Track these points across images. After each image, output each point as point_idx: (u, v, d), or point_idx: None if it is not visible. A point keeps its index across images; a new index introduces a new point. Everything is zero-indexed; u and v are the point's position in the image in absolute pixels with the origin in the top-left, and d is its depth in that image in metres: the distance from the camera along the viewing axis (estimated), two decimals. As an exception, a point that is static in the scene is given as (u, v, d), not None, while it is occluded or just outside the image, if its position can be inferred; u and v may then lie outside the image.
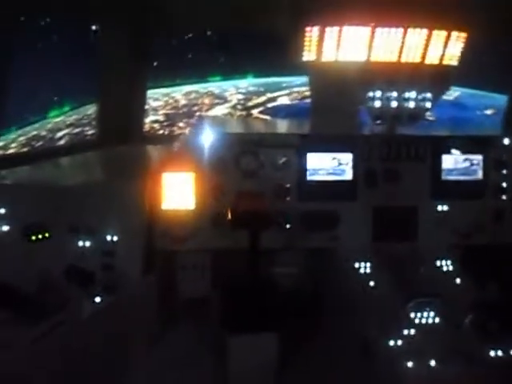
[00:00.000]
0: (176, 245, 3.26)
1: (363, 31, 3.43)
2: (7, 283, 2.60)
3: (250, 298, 2.84)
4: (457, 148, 3.40)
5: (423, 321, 2.72)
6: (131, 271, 3.04)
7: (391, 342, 2.54)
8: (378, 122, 3.46)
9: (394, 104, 3.39)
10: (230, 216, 2.73)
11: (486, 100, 4.54)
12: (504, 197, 3.49)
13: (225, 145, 3.25)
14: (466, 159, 3.42)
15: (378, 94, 3.37)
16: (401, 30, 3.44)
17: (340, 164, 3.31)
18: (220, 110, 19.13)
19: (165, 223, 3.22)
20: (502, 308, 2.65)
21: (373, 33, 3.44)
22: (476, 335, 2.53)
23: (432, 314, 2.74)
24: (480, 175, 3.44)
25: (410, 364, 2.35)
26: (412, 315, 2.75)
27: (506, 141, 3.44)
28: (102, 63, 4.29)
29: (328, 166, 3.30)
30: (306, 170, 3.29)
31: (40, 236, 2.80)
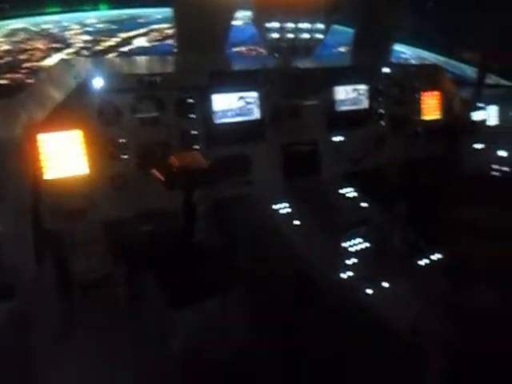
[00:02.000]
0: (71, 220, 2.62)
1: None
2: None
3: (191, 265, 2.53)
4: (347, 79, 3.50)
5: (358, 248, 2.84)
6: (22, 264, 2.35)
7: (339, 275, 2.59)
8: (276, 55, 3.27)
9: (291, 35, 3.23)
10: (162, 175, 2.27)
11: (343, 37, 4.77)
12: (382, 123, 3.81)
13: (116, 89, 2.64)
14: (354, 89, 3.56)
15: (276, 25, 3.15)
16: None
17: (247, 103, 3.06)
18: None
19: (52, 196, 2.53)
20: (419, 220, 2.96)
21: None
22: (405, 250, 2.77)
23: (362, 239, 2.87)
24: (366, 104, 3.64)
25: (367, 290, 2.44)
26: (346, 245, 2.84)
27: (385, 70, 3.69)
28: None
29: (235, 106, 3.02)
30: (213, 112, 2.95)
31: None
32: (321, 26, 3.30)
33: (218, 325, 2.75)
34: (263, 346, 2.82)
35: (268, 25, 3.14)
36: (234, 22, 4.16)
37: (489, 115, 4.53)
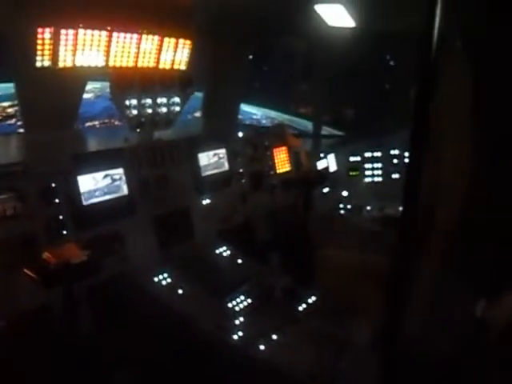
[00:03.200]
0: None
1: (100, 35, 3.17)
2: None
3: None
4: (207, 145, 3.73)
5: (242, 306, 2.97)
6: None
7: (230, 337, 2.67)
8: (138, 129, 3.34)
9: (150, 110, 3.35)
10: (37, 274, 2.10)
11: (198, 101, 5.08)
12: (243, 181, 4.13)
13: None
14: (214, 154, 3.81)
15: (134, 102, 3.24)
16: (136, 35, 3.38)
17: (114, 180, 3.04)
18: None
19: None
20: (290, 267, 3.25)
21: (109, 37, 3.23)
22: (286, 299, 3.01)
23: (245, 297, 3.02)
24: (227, 166, 3.92)
25: (260, 346, 2.57)
26: (231, 305, 2.95)
27: (240, 134, 4.05)
28: None
29: (102, 185, 2.97)
30: (80, 194, 2.85)
31: None
32: (177, 99, 3.51)
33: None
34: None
35: (127, 102, 3.22)
36: (84, 95, 4.13)
37: (329, 162, 5.27)
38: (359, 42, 5.65)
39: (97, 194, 2.95)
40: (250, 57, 5.66)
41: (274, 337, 2.65)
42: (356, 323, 2.83)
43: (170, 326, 2.82)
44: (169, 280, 3.13)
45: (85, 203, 2.87)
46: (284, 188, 4.55)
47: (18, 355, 2.45)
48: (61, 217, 2.76)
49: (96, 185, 2.94)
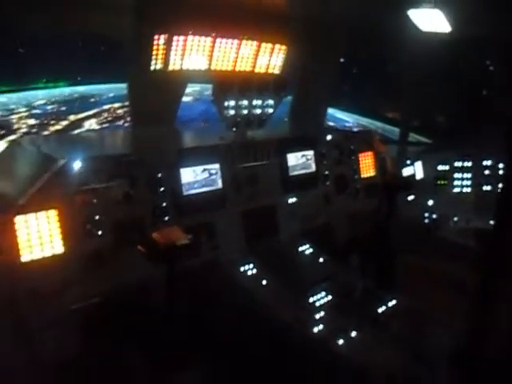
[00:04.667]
0: (47, 302, 2.61)
1: (205, 41, 3.48)
2: None
3: (170, 331, 2.62)
4: (296, 146, 3.90)
5: (322, 302, 3.08)
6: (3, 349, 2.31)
7: (310, 329, 2.79)
8: (233, 129, 3.60)
9: (245, 111, 3.59)
10: (148, 251, 2.40)
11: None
12: (328, 183, 4.23)
13: (91, 169, 2.77)
14: (302, 155, 3.96)
15: (232, 103, 3.50)
16: (236, 41, 3.65)
17: (211, 175, 3.31)
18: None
19: (29, 278, 2.53)
20: (372, 269, 3.30)
21: (213, 43, 3.53)
22: (366, 299, 3.06)
23: (326, 294, 3.13)
24: (313, 168, 4.05)
25: (339, 341, 2.66)
26: (311, 300, 3.07)
27: (328, 137, 4.16)
28: None
29: (200, 178, 3.26)
30: (181, 185, 3.15)
31: None
32: (271, 101, 3.72)
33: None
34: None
35: (226, 103, 3.48)
36: (184, 98, 4.49)
37: (415, 170, 5.18)
38: (454, 47, 5.47)
39: (195, 185, 3.23)
40: (342, 60, 5.72)
41: (353, 334, 2.72)
42: (436, 332, 2.82)
43: (251, 313, 3.01)
44: (254, 271, 3.33)
45: (185, 193, 3.17)
46: (367, 193, 4.56)
47: (120, 326, 2.80)
48: (164, 204, 3.07)
49: (195, 177, 3.23)
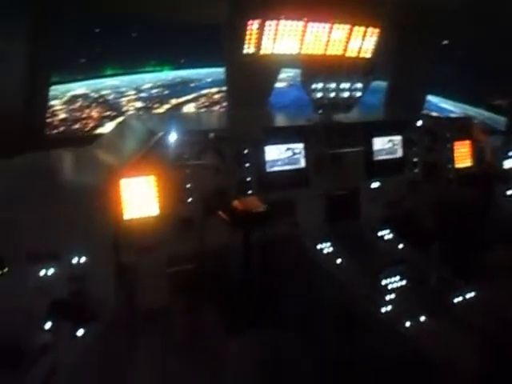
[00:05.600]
0: (143, 256, 3.01)
1: (297, 25, 3.61)
2: None
3: (246, 298, 2.85)
4: (382, 131, 3.87)
5: (395, 285, 3.09)
6: (105, 293, 2.72)
7: (379, 309, 2.83)
8: (320, 111, 3.70)
9: (333, 94, 3.67)
10: (228, 217, 2.66)
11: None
12: (416, 170, 4.12)
13: (185, 142, 3.09)
14: (389, 140, 3.92)
15: (320, 85, 3.60)
16: (328, 25, 3.72)
17: (294, 154, 3.46)
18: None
19: (129, 234, 2.94)
20: (454, 260, 3.20)
21: (305, 27, 3.64)
22: (442, 288, 3.00)
23: (400, 278, 3.13)
24: (400, 153, 3.99)
25: (407, 324, 2.67)
26: (384, 283, 3.09)
27: (418, 123, 4.06)
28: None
29: (284, 156, 3.42)
30: (265, 162, 3.35)
31: (-1, 273, 2.29)
32: (359, 85, 3.73)
33: (266, 355, 3.01)
34: (308, 376, 3.05)
35: (314, 86, 3.59)
36: (278, 84, 4.67)
37: (520, 163, 4.78)
38: None
39: (278, 163, 3.41)
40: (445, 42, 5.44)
41: (422, 319, 2.70)
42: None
43: (322, 287, 3.13)
44: (330, 249, 3.43)
45: (268, 170, 3.37)
46: (461, 183, 4.34)
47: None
48: (248, 178, 3.30)
49: (279, 155, 3.40)
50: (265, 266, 3.31)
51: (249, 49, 3.56)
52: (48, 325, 2.41)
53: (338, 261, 3.31)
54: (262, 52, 3.61)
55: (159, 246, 3.03)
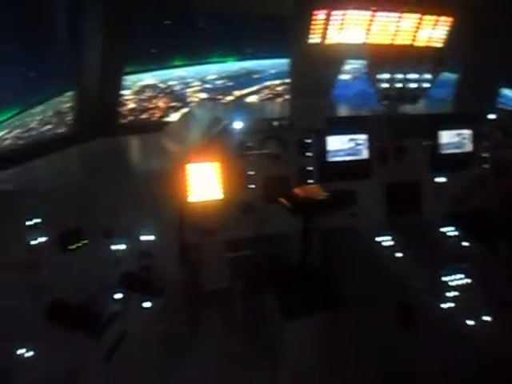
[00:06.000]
0: (205, 238, 3.15)
1: (364, 15, 3.57)
2: (61, 299, 2.32)
3: (303, 283, 2.90)
4: (450, 124, 3.73)
5: (458, 282, 2.99)
6: (170, 270, 2.88)
7: (439, 305, 2.76)
8: (385, 102, 3.64)
9: (399, 85, 3.59)
10: (289, 203, 2.72)
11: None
12: (486, 166, 3.94)
13: (249, 131, 3.18)
14: (458, 134, 3.77)
15: (386, 76, 3.54)
16: (397, 14, 3.64)
17: (357, 144, 3.44)
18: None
19: (193, 216, 3.08)
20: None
21: (373, 16, 3.59)
22: (508, 289, 2.86)
23: (463, 275, 3.02)
24: (469, 148, 3.82)
25: (468, 321, 2.59)
26: (446, 279, 3.00)
27: (490, 116, 3.87)
28: (79, 50, 3.84)
29: (346, 147, 3.41)
30: (326, 152, 3.37)
31: (78, 244, 2.51)
32: (428, 75, 3.62)
33: (323, 341, 3.04)
34: (363, 365, 3.04)
35: (379, 76, 3.54)
36: (343, 76, 4.63)
37: None
38: None
39: (340, 153, 3.40)
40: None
41: (485, 318, 2.59)
42: None
43: (382, 281, 3.09)
44: (391, 242, 3.37)
45: (329, 160, 3.37)
46: None
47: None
48: (309, 168, 3.33)
49: (341, 146, 3.40)
50: (323, 253, 3.33)
51: (314, 39, 3.58)
52: (118, 295, 2.60)
53: (398, 254, 3.25)
54: (327, 42, 3.61)
55: (221, 229, 3.15)
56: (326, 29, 3.53)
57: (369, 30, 3.66)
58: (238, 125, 3.11)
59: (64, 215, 2.46)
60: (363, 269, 3.32)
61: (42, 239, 2.37)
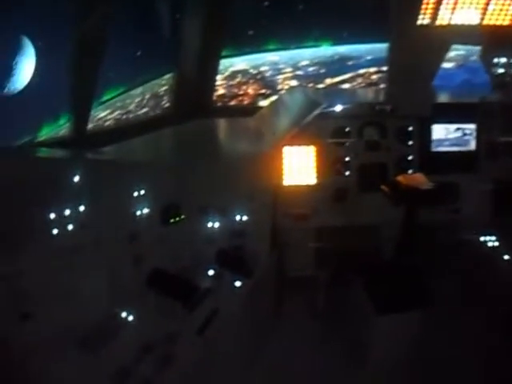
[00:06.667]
0: (297, 223, 3.09)
1: (482, -6, 3.27)
2: (161, 269, 2.40)
3: (398, 277, 2.74)
4: None
5: None
6: (260, 252, 2.86)
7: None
8: (499, 88, 3.32)
9: (517, 70, 3.26)
10: (391, 192, 2.57)
11: None
12: None
13: (348, 115, 3.06)
14: None
15: (503, 60, 3.23)
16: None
17: (464, 135, 3.18)
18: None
19: (286, 200, 3.04)
20: None
21: (491, -4, 3.28)
22: None
23: None
24: None
25: None
26: None
27: None
28: (181, 34, 3.96)
29: (452, 136, 3.16)
30: (430, 141, 3.14)
31: (177, 219, 2.57)
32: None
33: (417, 337, 2.85)
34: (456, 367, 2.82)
35: (495, 60, 3.22)
36: (445, 64, 4.29)
37: None
38: None
39: (446, 143, 3.16)
40: None
41: None
42: None
43: (486, 282, 2.84)
44: (495, 243, 3.09)
45: (433, 149, 3.15)
46: None
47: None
48: (410, 157, 3.13)
49: (447, 135, 3.15)
50: (419, 248, 3.13)
51: (423, 19, 3.34)
52: (210, 271, 2.63)
53: (505, 257, 2.96)
54: (437, 23, 3.36)
55: (313, 215, 3.08)
56: (437, 8, 3.28)
57: (485, 9, 3.35)
58: (338, 108, 3.00)
59: (165, 190, 2.53)
60: (464, 268, 3.07)
61: (145, 211, 2.45)
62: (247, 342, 2.82)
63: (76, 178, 2.27)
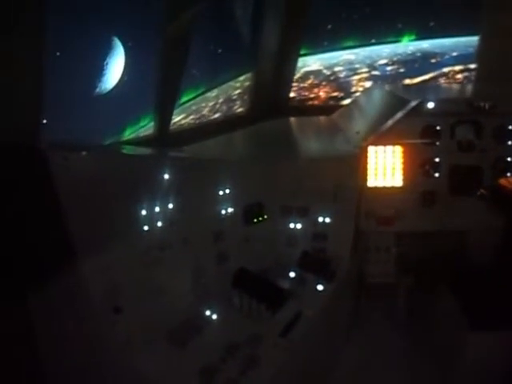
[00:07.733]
0: (381, 226, 2.95)
1: None
2: (250, 271, 2.37)
3: (496, 289, 2.51)
4: None
5: None
6: (342, 256, 2.76)
7: None
8: None
9: None
10: (492, 196, 2.37)
11: None
12: None
13: (438, 113, 2.86)
14: None
15: None
16: None
17: None
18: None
19: (370, 202, 2.91)
20: None
21: None
22: None
23: None
24: None
25: None
26: None
27: None
28: (260, 34, 3.95)
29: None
30: None
31: (260, 218, 2.55)
32: None
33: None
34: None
35: None
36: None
37: None
38: None
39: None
40: None
41: None
42: None
43: None
44: None
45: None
46: None
47: None
48: (510, 158, 2.86)
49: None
50: None
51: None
52: (293, 273, 2.57)
53: None
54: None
55: (399, 219, 2.92)
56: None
57: None
58: (430, 105, 2.81)
59: (249, 189, 2.52)
60: None
61: (229, 210, 2.45)
62: (326, 348, 2.73)
63: (165, 176, 2.31)
